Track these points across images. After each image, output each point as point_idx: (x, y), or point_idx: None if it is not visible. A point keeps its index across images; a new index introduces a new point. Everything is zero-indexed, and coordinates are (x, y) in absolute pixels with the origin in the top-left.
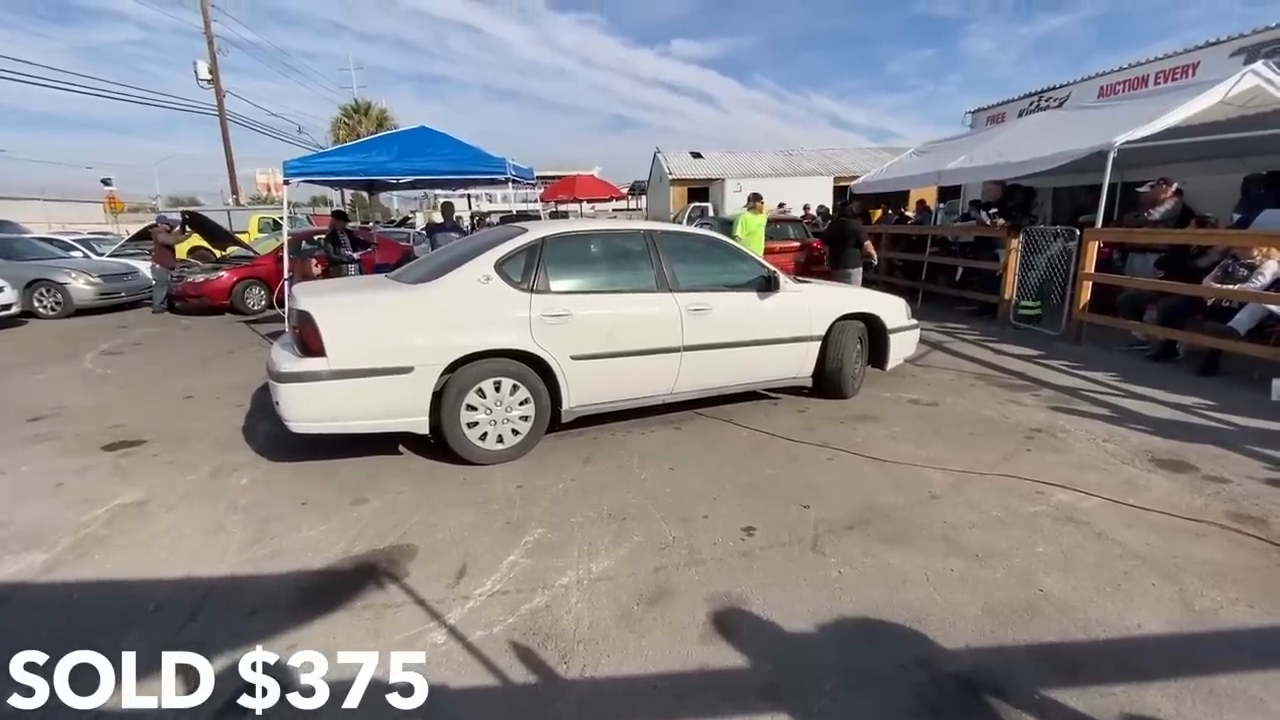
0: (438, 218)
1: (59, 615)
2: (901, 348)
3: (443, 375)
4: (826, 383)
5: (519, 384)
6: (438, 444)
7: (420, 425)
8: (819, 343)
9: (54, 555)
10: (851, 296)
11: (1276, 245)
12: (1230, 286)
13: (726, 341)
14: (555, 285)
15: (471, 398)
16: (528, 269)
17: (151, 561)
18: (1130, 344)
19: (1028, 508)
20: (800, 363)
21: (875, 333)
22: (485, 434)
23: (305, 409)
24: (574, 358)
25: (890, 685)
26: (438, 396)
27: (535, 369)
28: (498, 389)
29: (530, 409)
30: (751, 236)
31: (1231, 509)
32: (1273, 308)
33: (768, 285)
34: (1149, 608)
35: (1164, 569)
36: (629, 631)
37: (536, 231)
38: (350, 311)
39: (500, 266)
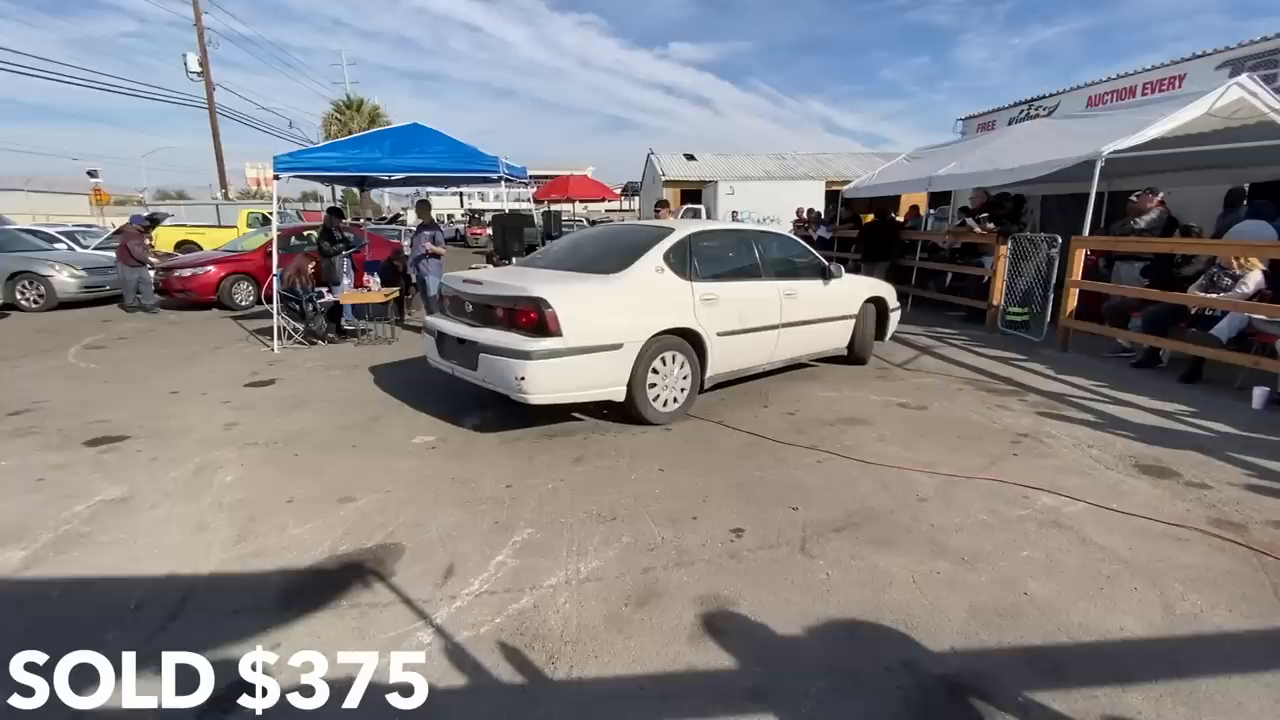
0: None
1: (37, 613)
2: (893, 323)
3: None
4: (855, 351)
5: (679, 355)
6: (616, 409)
7: (620, 393)
8: (853, 320)
9: (33, 552)
10: (870, 283)
11: (1257, 255)
12: (1212, 295)
13: (806, 319)
14: (703, 273)
15: (649, 373)
16: (685, 261)
17: (133, 559)
18: (1116, 350)
19: (1013, 512)
20: (842, 336)
21: (880, 312)
22: (666, 401)
23: (547, 382)
24: (719, 334)
25: (876, 687)
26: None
27: (693, 345)
28: (664, 362)
29: (689, 374)
30: None
31: (1213, 515)
32: (1254, 316)
33: (825, 273)
34: (1131, 611)
35: (1146, 573)
36: (617, 632)
37: (682, 230)
38: (576, 298)
39: (667, 259)
